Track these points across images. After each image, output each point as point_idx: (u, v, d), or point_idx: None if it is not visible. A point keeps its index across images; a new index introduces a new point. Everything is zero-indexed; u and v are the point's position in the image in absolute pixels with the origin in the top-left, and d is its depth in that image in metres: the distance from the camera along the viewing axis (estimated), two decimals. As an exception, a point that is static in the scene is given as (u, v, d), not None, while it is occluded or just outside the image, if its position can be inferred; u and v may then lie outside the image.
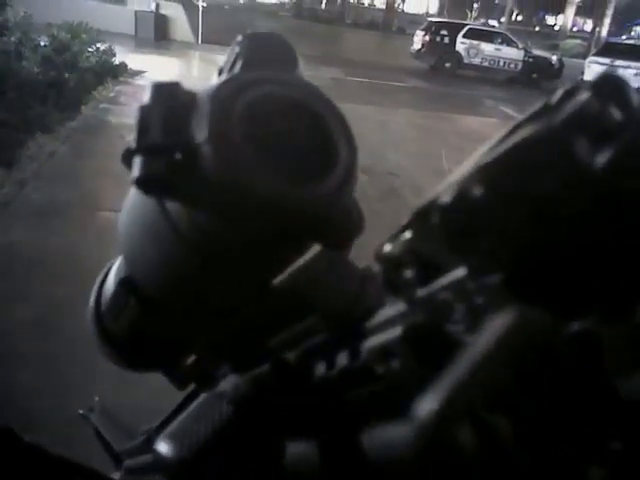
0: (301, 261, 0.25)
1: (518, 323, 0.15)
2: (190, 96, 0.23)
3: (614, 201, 0.15)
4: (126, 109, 5.88)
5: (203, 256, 0.25)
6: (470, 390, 0.14)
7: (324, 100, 0.25)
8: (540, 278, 0.16)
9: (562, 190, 0.16)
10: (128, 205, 0.28)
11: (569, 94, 0.16)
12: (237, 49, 0.28)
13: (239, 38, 0.28)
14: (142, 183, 0.22)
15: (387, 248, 0.20)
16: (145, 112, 0.23)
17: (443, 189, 0.18)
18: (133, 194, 0.27)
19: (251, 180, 0.22)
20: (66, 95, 5.24)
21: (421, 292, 0.19)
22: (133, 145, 0.22)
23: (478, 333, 0.16)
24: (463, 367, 0.15)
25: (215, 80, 0.26)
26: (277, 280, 0.25)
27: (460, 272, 0.18)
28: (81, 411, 0.55)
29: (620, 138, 0.15)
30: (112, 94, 6.50)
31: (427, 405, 0.14)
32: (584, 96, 0.16)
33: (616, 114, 0.16)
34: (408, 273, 0.19)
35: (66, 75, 5.46)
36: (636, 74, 10.49)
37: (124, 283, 0.30)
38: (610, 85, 0.16)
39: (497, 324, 0.15)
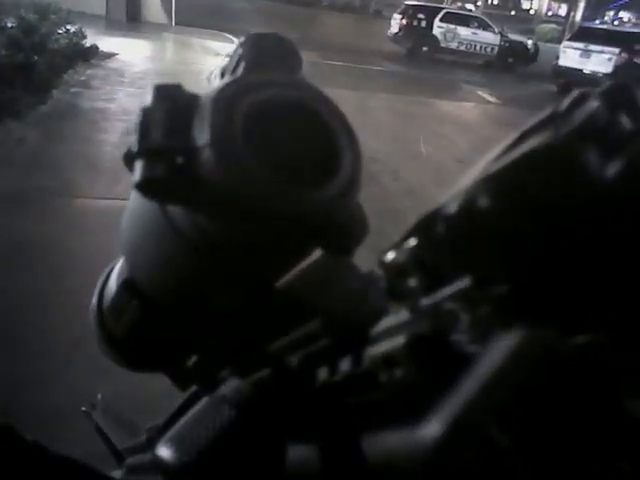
0: (304, 265, 0.25)
1: (526, 344, 0.15)
2: (192, 98, 0.23)
3: (624, 212, 0.15)
4: (98, 93, 5.76)
5: (205, 259, 0.25)
6: (478, 412, 0.14)
7: (328, 103, 0.25)
8: (547, 289, 0.16)
9: (570, 200, 0.15)
10: (130, 207, 0.28)
11: (577, 102, 0.16)
12: (240, 50, 0.28)
13: (242, 39, 0.28)
14: (143, 187, 0.22)
15: (391, 255, 0.20)
16: (146, 114, 0.22)
17: (449, 198, 0.18)
18: (135, 196, 0.27)
19: (253, 184, 0.22)
20: (36, 79, 5.10)
21: (425, 301, 0.19)
22: (134, 147, 0.22)
23: (486, 353, 0.15)
24: (470, 389, 0.14)
25: (217, 82, 0.26)
26: (280, 284, 0.25)
27: (465, 282, 0.17)
28: (84, 408, 0.55)
29: (630, 147, 0.15)
30: (83, 77, 6.36)
31: (434, 428, 0.14)
32: (593, 104, 0.16)
33: (625, 122, 0.15)
34: (412, 281, 0.19)
35: (35, 58, 5.29)
36: (609, 59, 10.63)
37: (126, 284, 0.30)
38: (619, 93, 0.16)
39: (505, 344, 0.15)
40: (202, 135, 0.22)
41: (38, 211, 3.10)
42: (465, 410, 0.14)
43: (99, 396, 0.56)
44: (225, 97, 0.23)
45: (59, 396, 1.74)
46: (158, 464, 0.34)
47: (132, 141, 0.22)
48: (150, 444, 0.36)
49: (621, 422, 0.15)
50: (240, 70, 0.27)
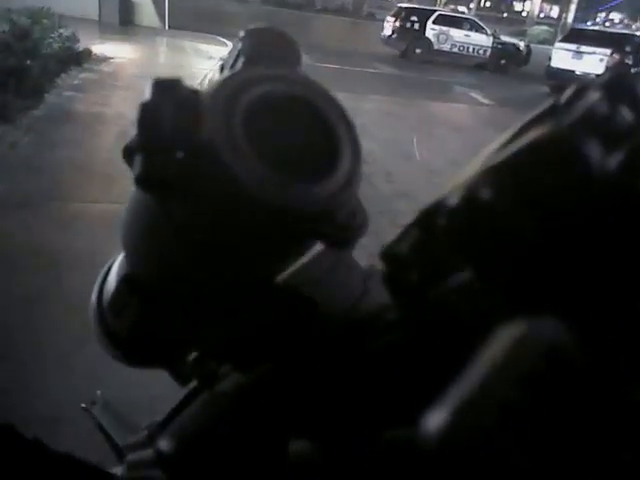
0: (304, 259, 0.25)
1: (528, 334, 0.15)
2: (192, 93, 0.23)
3: (625, 203, 0.15)
4: (92, 97, 5.75)
5: (205, 254, 0.25)
6: (480, 406, 0.14)
7: (328, 98, 0.25)
8: (549, 280, 0.16)
9: (572, 191, 0.16)
10: (130, 202, 0.28)
11: (578, 93, 0.16)
12: (239, 45, 0.28)
13: (241, 34, 0.28)
14: (143, 182, 0.22)
15: (392, 248, 0.20)
16: (146, 109, 0.22)
17: (450, 190, 0.18)
18: (135, 191, 0.27)
19: (254, 179, 0.22)
20: (28, 83, 5.07)
21: (426, 293, 0.19)
22: (134, 142, 0.22)
23: (488, 343, 0.15)
24: (473, 380, 0.14)
25: (217, 76, 0.26)
26: (280, 278, 0.25)
27: (467, 273, 0.17)
28: (83, 405, 0.54)
29: (631, 139, 0.15)
30: (77, 81, 6.34)
31: (436, 420, 0.14)
32: (594, 96, 0.16)
33: (626, 113, 0.15)
34: (413, 274, 0.19)
35: (28, 62, 5.27)
36: (601, 60, 10.70)
37: (126, 280, 0.30)
38: (620, 85, 0.16)
39: (507, 334, 0.15)
40: (202, 130, 0.22)
41: (31, 215, 3.08)
42: (467, 402, 0.14)
43: (98, 392, 0.56)
44: (224, 92, 0.23)
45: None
46: (159, 460, 0.34)
47: (131, 136, 0.22)
48: (151, 440, 0.36)
49: (625, 411, 0.15)
50: (239, 65, 0.27)
